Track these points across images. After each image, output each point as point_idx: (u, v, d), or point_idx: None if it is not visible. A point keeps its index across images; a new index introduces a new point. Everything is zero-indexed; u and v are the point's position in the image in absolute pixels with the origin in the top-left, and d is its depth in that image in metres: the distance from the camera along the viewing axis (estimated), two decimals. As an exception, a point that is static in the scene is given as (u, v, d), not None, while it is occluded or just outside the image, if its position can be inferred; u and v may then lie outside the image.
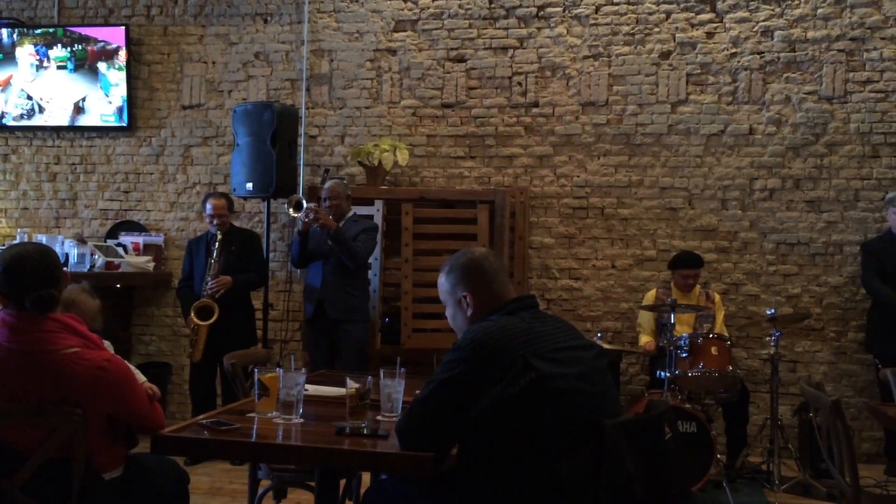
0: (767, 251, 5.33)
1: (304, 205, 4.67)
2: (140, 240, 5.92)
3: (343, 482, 2.94)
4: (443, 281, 2.32)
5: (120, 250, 5.68)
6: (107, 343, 2.58)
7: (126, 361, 2.52)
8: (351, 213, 4.88)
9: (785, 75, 5.31)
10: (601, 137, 5.51)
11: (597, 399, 2.10)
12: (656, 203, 5.44)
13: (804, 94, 5.28)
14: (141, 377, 2.63)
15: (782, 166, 5.31)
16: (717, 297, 5.09)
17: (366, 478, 3.13)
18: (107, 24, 6.15)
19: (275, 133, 5.22)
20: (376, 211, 5.33)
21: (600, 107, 5.52)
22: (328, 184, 4.90)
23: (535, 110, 5.59)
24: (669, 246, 5.41)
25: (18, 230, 6.07)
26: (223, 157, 5.95)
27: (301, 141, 5.77)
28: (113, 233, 6.05)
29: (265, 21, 5.98)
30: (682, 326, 4.92)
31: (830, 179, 5.26)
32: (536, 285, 5.57)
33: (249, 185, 5.30)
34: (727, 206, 5.38)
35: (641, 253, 5.47)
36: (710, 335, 4.59)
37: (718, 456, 4.23)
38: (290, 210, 4.78)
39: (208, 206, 5.08)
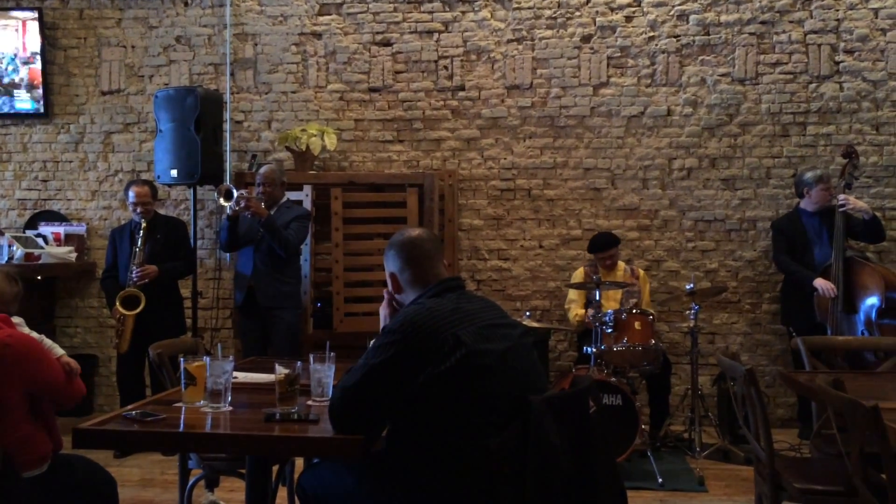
0: (686, 228, 5.54)
1: (235, 193, 4.59)
2: (61, 230, 5.76)
3: (276, 468, 2.96)
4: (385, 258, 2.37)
5: (40, 241, 5.52)
6: (18, 320, 2.54)
7: (36, 335, 2.49)
8: (284, 199, 4.83)
9: (700, 58, 5.50)
10: (526, 120, 5.61)
11: (523, 375, 2.18)
12: (581, 184, 5.59)
13: (718, 76, 5.48)
14: (59, 351, 2.59)
15: (699, 146, 5.51)
16: (642, 273, 5.27)
17: (299, 462, 3.16)
18: (19, 6, 5.92)
19: (199, 118, 5.14)
20: (305, 196, 5.32)
21: (525, 90, 5.61)
22: (263, 169, 4.81)
23: (461, 94, 5.65)
24: (594, 225, 5.57)
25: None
26: (146, 144, 5.83)
27: (227, 126, 5.70)
28: (32, 223, 5.87)
29: (185, 4, 5.86)
30: (610, 302, 5.08)
31: (744, 158, 5.49)
32: (466, 266, 5.66)
33: (174, 172, 5.21)
34: (648, 185, 5.56)
35: (567, 233, 5.61)
36: (634, 311, 4.76)
37: (643, 426, 4.40)
38: (221, 200, 4.68)
39: (131, 193, 4.96)
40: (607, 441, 2.34)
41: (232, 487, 3.76)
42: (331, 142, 5.45)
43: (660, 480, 4.15)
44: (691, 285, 4.79)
